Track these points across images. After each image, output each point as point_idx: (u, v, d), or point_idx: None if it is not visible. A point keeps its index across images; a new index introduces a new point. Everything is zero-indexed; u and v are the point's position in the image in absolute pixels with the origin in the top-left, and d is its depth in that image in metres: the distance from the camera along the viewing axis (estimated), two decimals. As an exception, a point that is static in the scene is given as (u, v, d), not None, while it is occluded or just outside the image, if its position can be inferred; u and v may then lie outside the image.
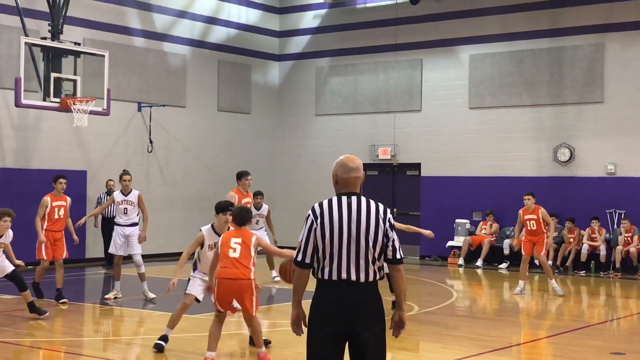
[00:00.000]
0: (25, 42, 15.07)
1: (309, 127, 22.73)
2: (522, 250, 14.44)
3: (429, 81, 20.85)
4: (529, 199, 14.22)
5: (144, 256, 13.05)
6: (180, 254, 8.91)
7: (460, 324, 11.34)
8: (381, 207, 4.92)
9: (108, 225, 15.94)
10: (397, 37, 21.31)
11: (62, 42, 15.88)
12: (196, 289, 8.75)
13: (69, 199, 12.56)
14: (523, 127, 19.47)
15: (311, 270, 4.92)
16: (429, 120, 20.78)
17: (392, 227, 4.89)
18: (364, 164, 24.06)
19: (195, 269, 8.78)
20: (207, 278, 8.43)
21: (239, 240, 7.94)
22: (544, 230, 14.16)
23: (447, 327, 10.92)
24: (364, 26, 21.83)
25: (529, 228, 14.23)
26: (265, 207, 15.12)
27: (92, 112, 15.68)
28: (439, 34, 20.68)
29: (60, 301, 12.11)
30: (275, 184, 22.89)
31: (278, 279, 14.79)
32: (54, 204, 12.27)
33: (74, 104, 15.37)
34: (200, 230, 8.69)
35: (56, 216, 12.26)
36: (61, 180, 12.45)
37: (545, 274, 14.67)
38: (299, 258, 4.89)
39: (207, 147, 21.17)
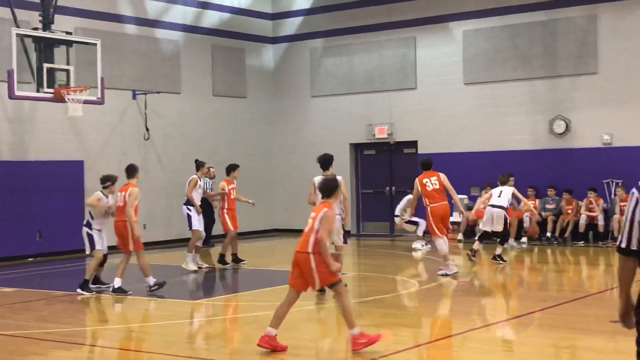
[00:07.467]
0: (17, 34, 15.00)
1: (305, 109, 22.72)
2: None
3: (423, 59, 20.82)
4: None
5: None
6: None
7: (464, 299, 11.40)
8: None
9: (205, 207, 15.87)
10: (390, 15, 21.25)
11: (53, 32, 15.82)
12: None
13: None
14: (518, 101, 19.46)
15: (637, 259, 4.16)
16: (424, 97, 20.77)
17: None
18: (360, 144, 23.90)
19: None
20: None
21: None
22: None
23: (455, 303, 10.96)
24: (356, 5, 21.77)
25: None
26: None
27: (86, 102, 15.65)
28: (431, 10, 20.64)
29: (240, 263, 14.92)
30: (275, 167, 22.91)
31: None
32: (230, 187, 14.98)
33: (67, 94, 15.34)
34: None
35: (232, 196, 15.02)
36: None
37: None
38: (623, 244, 4.14)
39: (205, 133, 21.14)
